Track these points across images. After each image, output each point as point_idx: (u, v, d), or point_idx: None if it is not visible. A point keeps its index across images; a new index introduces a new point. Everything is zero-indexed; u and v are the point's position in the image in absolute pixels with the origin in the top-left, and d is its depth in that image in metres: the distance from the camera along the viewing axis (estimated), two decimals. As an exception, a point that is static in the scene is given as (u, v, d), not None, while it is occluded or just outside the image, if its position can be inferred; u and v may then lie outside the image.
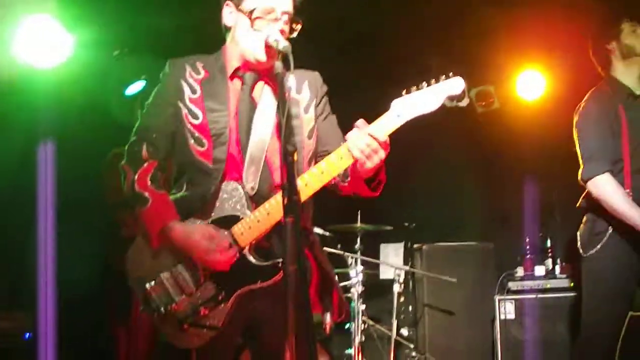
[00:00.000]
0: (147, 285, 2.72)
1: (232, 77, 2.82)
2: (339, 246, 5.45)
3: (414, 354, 5.63)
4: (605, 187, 3.81)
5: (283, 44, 2.52)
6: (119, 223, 5.20)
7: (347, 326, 5.44)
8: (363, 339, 5.30)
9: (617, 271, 3.85)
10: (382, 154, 2.58)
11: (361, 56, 5.70)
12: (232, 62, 2.83)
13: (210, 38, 2.95)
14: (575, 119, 4.02)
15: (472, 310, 5.71)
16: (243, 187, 2.68)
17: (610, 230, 3.84)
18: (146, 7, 4.78)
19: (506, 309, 5.45)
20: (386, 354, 5.42)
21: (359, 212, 5.50)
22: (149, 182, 2.73)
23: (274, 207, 2.61)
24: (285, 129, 2.32)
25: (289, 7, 2.73)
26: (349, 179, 2.77)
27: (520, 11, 5.19)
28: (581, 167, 3.92)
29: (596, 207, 3.88)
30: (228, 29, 2.84)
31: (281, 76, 2.46)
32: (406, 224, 6.06)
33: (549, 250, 5.78)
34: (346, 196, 2.88)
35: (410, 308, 5.97)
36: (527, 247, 5.77)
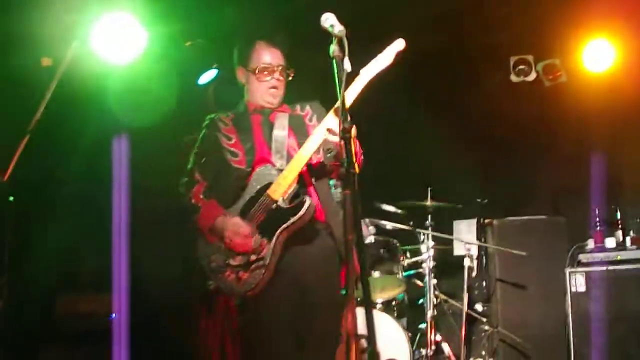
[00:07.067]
0: (212, 256, 3.36)
1: (252, 113, 3.60)
2: (411, 223, 5.52)
3: (486, 328, 5.67)
4: None
5: (338, 29, 2.85)
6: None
7: (420, 301, 5.53)
8: (435, 313, 5.38)
9: None
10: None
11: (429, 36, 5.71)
12: (251, 105, 3.62)
13: (275, 28, 3.38)
14: None
15: (544, 284, 5.70)
16: (273, 166, 3.40)
17: None
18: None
19: (577, 282, 5.45)
20: (459, 328, 5.46)
21: (429, 189, 5.57)
22: (201, 196, 3.46)
23: (293, 162, 3.31)
24: (342, 108, 2.70)
25: (281, 61, 3.57)
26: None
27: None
28: None
29: None
30: (244, 84, 3.63)
31: (338, 58, 2.80)
32: (478, 200, 6.07)
33: (619, 223, 5.75)
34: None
35: (483, 283, 6.01)
36: (597, 219, 5.75)
